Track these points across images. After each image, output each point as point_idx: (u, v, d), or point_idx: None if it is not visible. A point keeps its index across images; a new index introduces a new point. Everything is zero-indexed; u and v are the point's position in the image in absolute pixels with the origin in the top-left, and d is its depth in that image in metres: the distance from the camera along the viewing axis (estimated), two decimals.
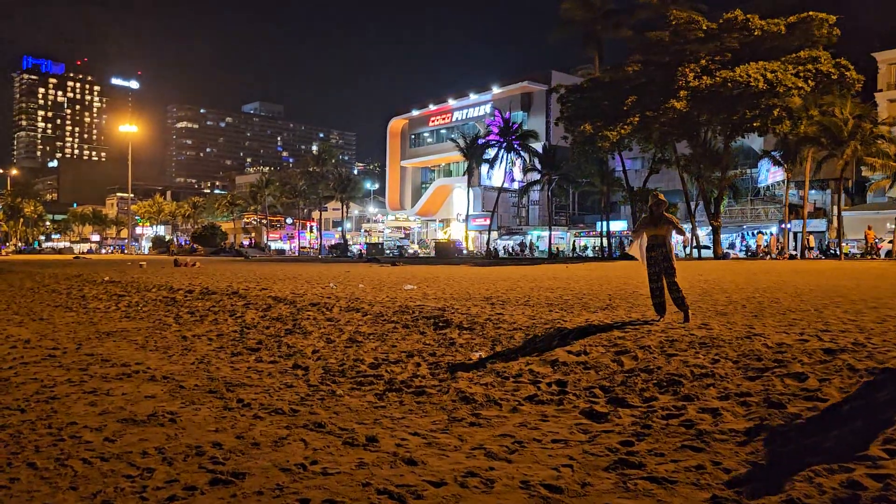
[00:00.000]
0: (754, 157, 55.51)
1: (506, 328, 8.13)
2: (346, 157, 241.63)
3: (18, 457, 4.68)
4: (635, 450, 4.27)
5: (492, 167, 58.12)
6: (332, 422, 5.21)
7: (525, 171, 57.91)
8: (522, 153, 56.47)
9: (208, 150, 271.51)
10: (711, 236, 41.61)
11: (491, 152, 58.41)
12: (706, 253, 43.08)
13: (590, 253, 60.64)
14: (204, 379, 6.87)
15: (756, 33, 34.20)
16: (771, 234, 48.72)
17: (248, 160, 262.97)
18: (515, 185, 64.63)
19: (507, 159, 57.60)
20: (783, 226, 48.14)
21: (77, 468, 4.43)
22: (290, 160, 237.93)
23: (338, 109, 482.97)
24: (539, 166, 54.14)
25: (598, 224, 63.31)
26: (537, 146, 58.78)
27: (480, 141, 59.27)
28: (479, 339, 7.82)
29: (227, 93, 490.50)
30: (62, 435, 5.14)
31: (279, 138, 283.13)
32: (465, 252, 63.03)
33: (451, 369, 6.61)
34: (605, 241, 53.57)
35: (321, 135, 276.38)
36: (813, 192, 44.52)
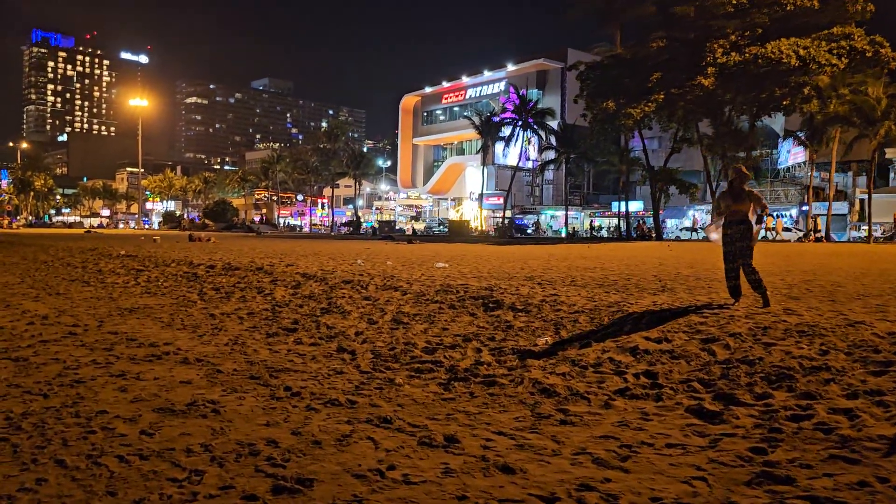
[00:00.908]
0: (774, 137, 54.38)
1: (566, 311, 7.46)
2: (356, 135, 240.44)
3: (45, 451, 4.07)
4: (773, 459, 3.60)
5: (507, 145, 57.18)
6: (398, 416, 4.56)
7: (541, 149, 56.97)
8: (539, 131, 55.47)
9: (217, 126, 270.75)
10: None
11: (506, 130, 57.44)
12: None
13: (604, 234, 59.76)
14: (242, 363, 6.23)
15: (788, 8, 33.03)
16: (779, 216, 47.77)
17: (258, 136, 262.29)
18: (529, 165, 63.71)
19: (522, 137, 56.61)
20: (803, 208, 47.17)
21: (113, 468, 3.81)
22: (300, 137, 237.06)
23: (348, 86, 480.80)
24: (556, 144, 53.19)
25: (614, 204, 62.42)
26: (553, 124, 57.75)
27: (496, 119, 58.26)
28: (538, 322, 7.16)
29: (236, 69, 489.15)
30: (92, 426, 4.52)
31: (289, 115, 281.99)
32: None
33: (519, 356, 5.95)
34: (622, 221, 52.67)
35: (331, 112, 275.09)
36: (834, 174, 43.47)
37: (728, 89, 33.97)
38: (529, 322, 7.19)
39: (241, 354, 6.59)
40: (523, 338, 6.61)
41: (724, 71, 32.45)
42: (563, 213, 67.18)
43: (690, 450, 3.81)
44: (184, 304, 10.09)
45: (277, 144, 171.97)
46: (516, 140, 56.27)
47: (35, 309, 9.97)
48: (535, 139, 59.06)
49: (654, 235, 45.17)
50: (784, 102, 33.12)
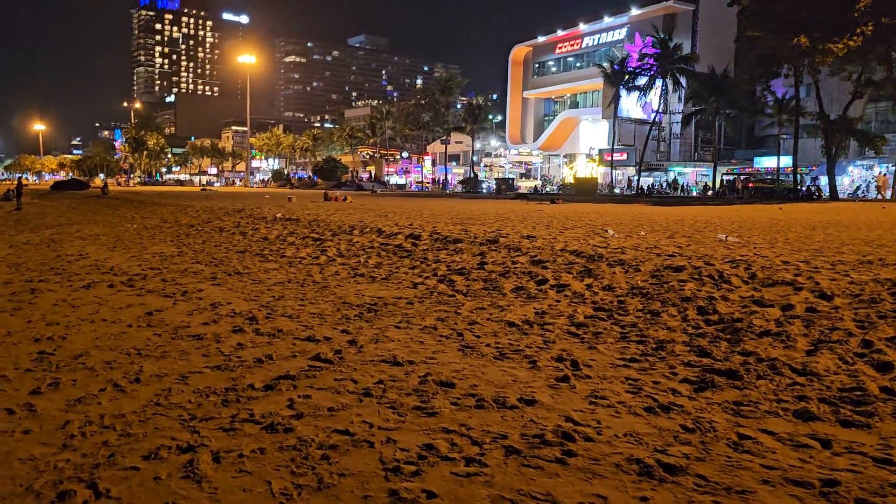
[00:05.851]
0: None
1: None
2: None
3: None
4: None
5: (642, 95, 51.97)
6: None
7: (685, 99, 51.41)
8: (680, 79, 49.96)
9: (315, 84, 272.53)
10: None
11: (640, 80, 52.21)
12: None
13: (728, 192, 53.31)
14: (650, 451, 2.96)
15: None
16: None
17: (354, 94, 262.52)
18: (654, 117, 58.26)
19: (661, 87, 51.26)
20: None
21: None
22: (395, 94, 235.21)
23: (444, 42, 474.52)
24: (703, 93, 47.53)
25: (756, 160, 56.35)
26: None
27: (630, 66, 53.01)
28: None
29: (333, 25, 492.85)
30: None
31: (384, 72, 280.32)
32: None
33: None
34: (776, 177, 46.68)
35: (425, 68, 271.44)
36: None
37: None
38: None
39: (689, 440, 3.33)
40: None
41: None
42: (692, 169, 61.34)
43: None
44: (435, 300, 6.96)
45: (376, 101, 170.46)
46: (652, 89, 51.02)
47: (226, 301, 7.13)
48: (665, 89, 53.56)
49: (821, 195, 39.60)
50: None
